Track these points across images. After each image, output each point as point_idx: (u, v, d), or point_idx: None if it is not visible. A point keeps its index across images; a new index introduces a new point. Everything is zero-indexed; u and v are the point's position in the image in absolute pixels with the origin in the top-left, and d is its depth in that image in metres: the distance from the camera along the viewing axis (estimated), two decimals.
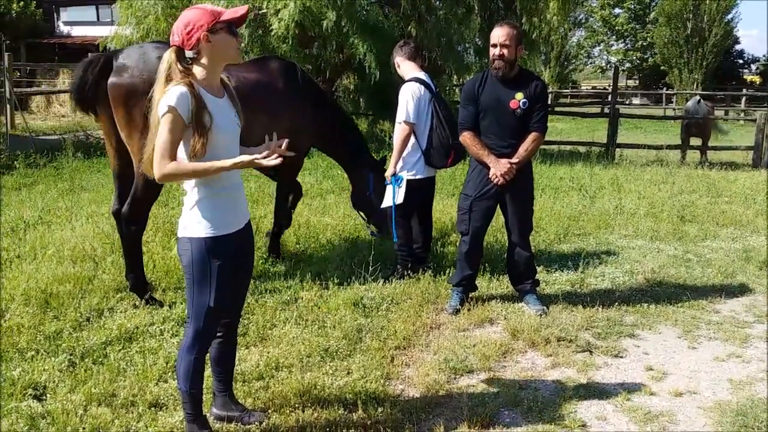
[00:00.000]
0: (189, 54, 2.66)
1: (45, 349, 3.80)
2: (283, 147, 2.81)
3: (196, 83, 2.66)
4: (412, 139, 5.14)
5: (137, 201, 4.46)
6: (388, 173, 5.23)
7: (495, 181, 4.53)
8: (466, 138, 4.65)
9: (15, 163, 10.18)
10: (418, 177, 5.20)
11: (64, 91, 20.52)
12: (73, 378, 3.49)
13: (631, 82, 50.41)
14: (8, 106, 13.99)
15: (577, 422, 3.25)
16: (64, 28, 31.21)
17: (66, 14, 31.44)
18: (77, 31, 30.28)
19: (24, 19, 26.89)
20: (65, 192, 8.38)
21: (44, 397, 3.32)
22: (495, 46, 4.47)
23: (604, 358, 4.02)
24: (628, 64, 47.70)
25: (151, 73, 4.14)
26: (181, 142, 2.65)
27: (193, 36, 2.63)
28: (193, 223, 2.72)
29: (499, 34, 4.45)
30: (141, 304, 4.52)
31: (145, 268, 4.77)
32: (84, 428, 3.03)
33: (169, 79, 2.64)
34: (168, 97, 2.59)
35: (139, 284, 4.60)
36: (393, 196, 5.17)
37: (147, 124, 2.73)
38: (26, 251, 5.58)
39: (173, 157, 2.61)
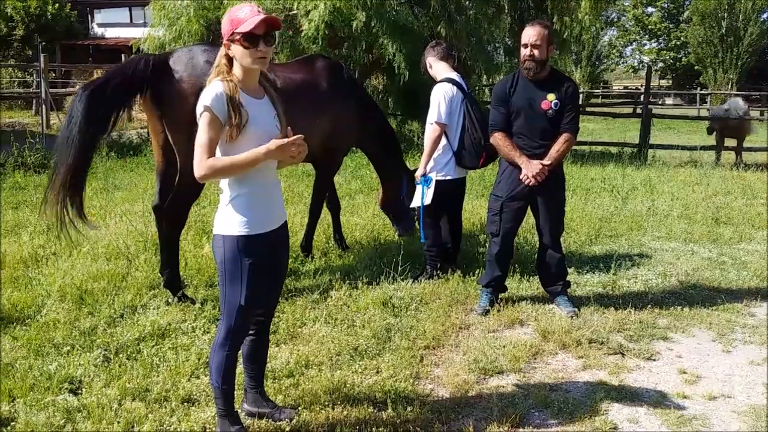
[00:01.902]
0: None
1: (80, 345, 3.88)
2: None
3: (237, 82, 2.71)
4: (444, 140, 5.13)
5: (179, 198, 4.54)
6: (417, 174, 5.22)
7: (526, 183, 4.50)
8: (497, 139, 4.62)
9: (50, 162, 10.37)
10: (448, 178, 5.19)
11: None
12: (108, 373, 3.56)
13: (664, 82, 49.67)
14: (44, 106, 14.26)
15: (608, 424, 3.22)
16: (98, 30, 31.77)
17: (100, 16, 32.00)
18: (111, 33, 30.80)
19: (59, 21, 27.44)
20: (99, 191, 8.54)
21: (80, 391, 3.39)
22: (525, 46, 4.44)
23: (637, 360, 3.97)
24: (661, 64, 47.02)
25: (199, 78, 4.21)
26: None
27: (223, 40, 2.71)
28: (227, 220, 2.75)
29: (529, 34, 4.42)
30: (173, 301, 4.58)
31: None
32: (118, 422, 3.09)
33: (217, 71, 2.71)
34: (204, 97, 2.65)
35: (173, 280, 4.67)
36: (422, 197, 5.17)
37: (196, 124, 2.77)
38: (62, 248, 5.69)
39: (213, 155, 2.65)
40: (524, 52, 4.45)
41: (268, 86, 2.91)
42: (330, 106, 5.29)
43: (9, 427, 3.05)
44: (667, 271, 5.64)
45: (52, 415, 3.13)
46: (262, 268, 2.80)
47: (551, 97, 4.46)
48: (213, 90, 2.64)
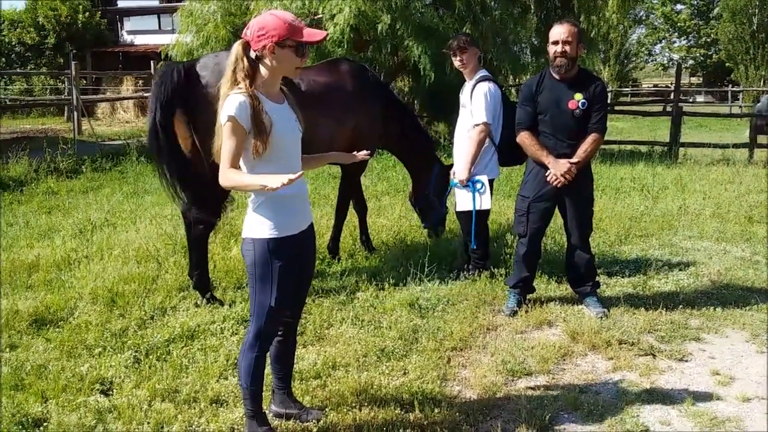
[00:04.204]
0: (252, 54, 2.69)
1: (111, 346, 3.94)
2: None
3: (257, 88, 2.70)
4: (486, 140, 5.02)
5: (208, 201, 4.58)
6: (460, 177, 5.04)
7: (554, 183, 4.46)
8: (524, 138, 4.58)
9: (82, 167, 10.59)
10: (492, 177, 5.12)
11: (129, 98, 21.25)
12: (138, 374, 3.60)
13: (694, 80, 48.94)
14: (75, 113, 14.53)
15: (639, 426, 3.17)
16: (127, 37, 32.21)
17: (129, 24, 32.46)
18: (140, 40, 31.21)
19: (90, 29, 27.86)
20: (129, 195, 8.66)
21: (111, 392, 3.44)
22: (556, 43, 4.39)
23: (668, 361, 3.90)
24: (691, 61, 46.34)
25: None
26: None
27: (261, 41, 2.65)
28: (256, 224, 2.76)
29: (560, 31, 4.39)
30: (202, 302, 4.63)
31: None
32: (148, 422, 3.12)
33: (234, 75, 2.68)
34: (228, 106, 2.63)
35: (202, 282, 4.72)
36: (473, 202, 5.03)
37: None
38: (93, 252, 5.78)
39: (236, 164, 2.66)
40: (555, 49, 4.40)
41: (285, 90, 2.92)
42: (355, 108, 5.30)
43: (42, 428, 3.10)
44: (698, 270, 5.55)
45: (83, 415, 3.17)
46: (292, 269, 2.82)
47: (578, 96, 4.42)
48: (237, 99, 2.62)
